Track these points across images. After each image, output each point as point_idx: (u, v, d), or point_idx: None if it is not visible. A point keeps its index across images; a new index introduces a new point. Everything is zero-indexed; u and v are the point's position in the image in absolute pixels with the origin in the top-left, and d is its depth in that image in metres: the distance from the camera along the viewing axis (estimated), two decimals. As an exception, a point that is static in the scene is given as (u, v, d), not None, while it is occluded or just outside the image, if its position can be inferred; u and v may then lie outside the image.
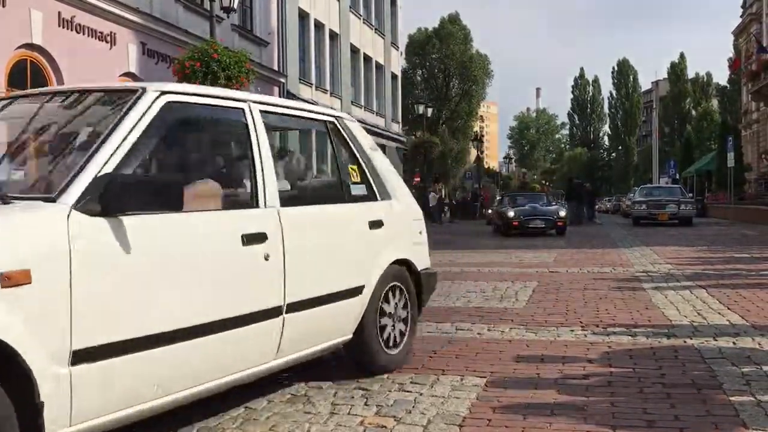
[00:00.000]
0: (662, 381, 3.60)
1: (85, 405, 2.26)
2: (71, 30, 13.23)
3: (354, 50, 29.70)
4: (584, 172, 69.17)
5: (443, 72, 49.28)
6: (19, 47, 12.24)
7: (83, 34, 13.58)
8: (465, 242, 15.63)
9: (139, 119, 2.66)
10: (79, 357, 2.24)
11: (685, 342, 4.51)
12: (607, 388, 3.51)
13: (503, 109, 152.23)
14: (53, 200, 2.33)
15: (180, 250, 2.69)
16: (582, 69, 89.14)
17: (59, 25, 12.94)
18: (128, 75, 15.13)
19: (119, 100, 2.83)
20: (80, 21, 13.44)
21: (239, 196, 3.28)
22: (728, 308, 5.75)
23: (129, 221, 2.44)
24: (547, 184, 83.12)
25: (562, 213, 18.16)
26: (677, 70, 72.02)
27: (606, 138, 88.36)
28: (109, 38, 14.28)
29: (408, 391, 3.51)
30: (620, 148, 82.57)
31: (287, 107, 3.89)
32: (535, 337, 4.82)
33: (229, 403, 3.36)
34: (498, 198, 25.28)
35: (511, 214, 17.95)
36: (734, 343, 4.44)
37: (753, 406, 3.14)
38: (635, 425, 2.95)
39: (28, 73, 12.58)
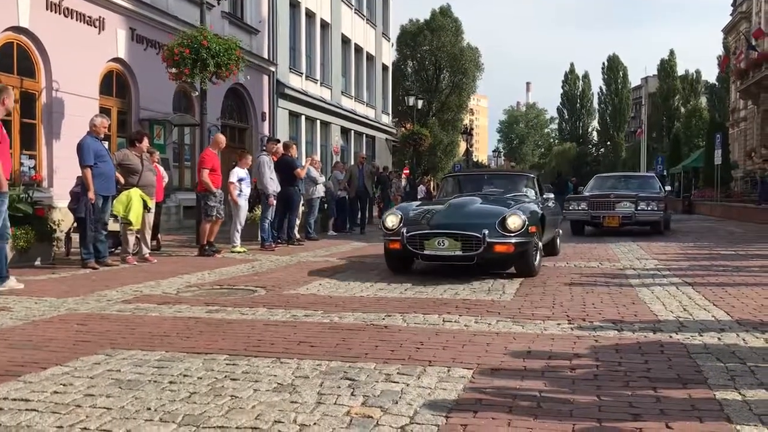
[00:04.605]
0: (648, 375, 3.62)
1: None
2: (59, 14, 13.11)
3: (345, 40, 29.60)
4: (572, 167, 69.49)
5: (434, 64, 49.20)
6: (6, 30, 12.11)
7: (71, 18, 13.45)
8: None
9: None
10: None
11: (670, 337, 4.54)
12: (594, 382, 3.52)
13: (493, 102, 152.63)
14: None
15: None
16: (572, 64, 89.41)
17: (47, 9, 12.82)
18: (116, 61, 15.01)
19: None
20: (68, 5, 13.31)
21: None
22: (714, 304, 5.78)
23: None
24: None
25: (517, 220, 7.45)
26: (667, 66, 72.33)
27: (595, 133, 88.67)
28: (97, 23, 14.16)
29: (395, 382, 3.51)
30: (609, 143, 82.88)
31: None
32: (522, 330, 4.83)
33: (215, 391, 3.35)
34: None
35: (390, 222, 8.00)
36: (719, 338, 4.46)
37: (737, 401, 3.16)
38: (621, 418, 2.96)
39: (15, 57, 12.45)
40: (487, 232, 7.33)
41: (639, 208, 14.46)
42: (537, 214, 8.02)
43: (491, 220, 7.57)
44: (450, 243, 7.45)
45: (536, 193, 9.62)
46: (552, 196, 9.75)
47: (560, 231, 10.85)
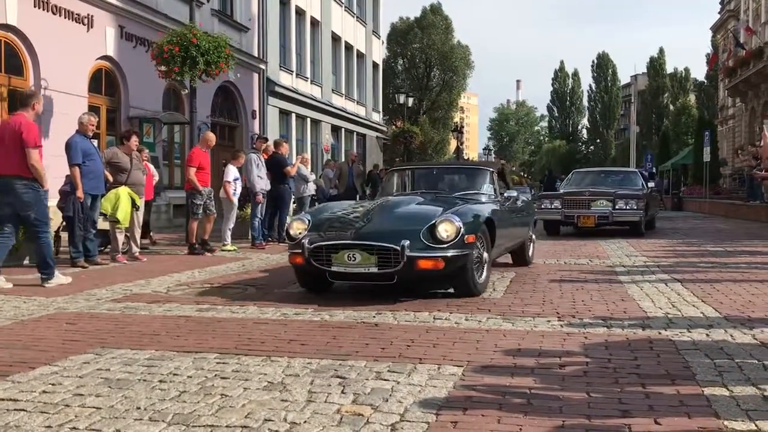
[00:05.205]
0: (637, 372, 3.64)
1: None
2: (47, 11, 13.02)
3: (335, 38, 29.56)
4: (562, 165, 69.66)
5: (424, 62, 49.28)
6: (-7, 28, 12.02)
7: (60, 15, 13.37)
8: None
9: None
10: None
11: (659, 333, 4.56)
12: (583, 378, 3.54)
13: (483, 100, 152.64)
14: None
15: None
16: (562, 62, 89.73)
17: (35, 6, 12.74)
18: (106, 58, 14.93)
19: None
20: (57, 2, 13.24)
21: None
22: (702, 301, 5.82)
23: None
24: (526, 176, 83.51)
25: (449, 227, 5.91)
26: (656, 64, 72.63)
27: (584, 131, 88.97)
28: (86, 20, 14.08)
29: (385, 380, 3.51)
30: (598, 141, 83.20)
31: None
32: (512, 327, 4.84)
33: (205, 390, 3.34)
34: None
35: (295, 229, 6.43)
36: (707, 335, 4.49)
37: (725, 396, 3.18)
38: (610, 414, 2.98)
39: (2, 55, 12.37)
40: (407, 243, 5.74)
41: (617, 207, 13.29)
42: (480, 219, 6.38)
43: (416, 227, 5.99)
44: (363, 257, 5.86)
45: (495, 190, 7.80)
46: (515, 194, 8.05)
47: (533, 236, 9.19)
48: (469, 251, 6.03)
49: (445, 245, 5.86)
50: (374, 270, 5.89)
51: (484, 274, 6.47)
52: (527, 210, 8.89)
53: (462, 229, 5.91)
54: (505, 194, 7.92)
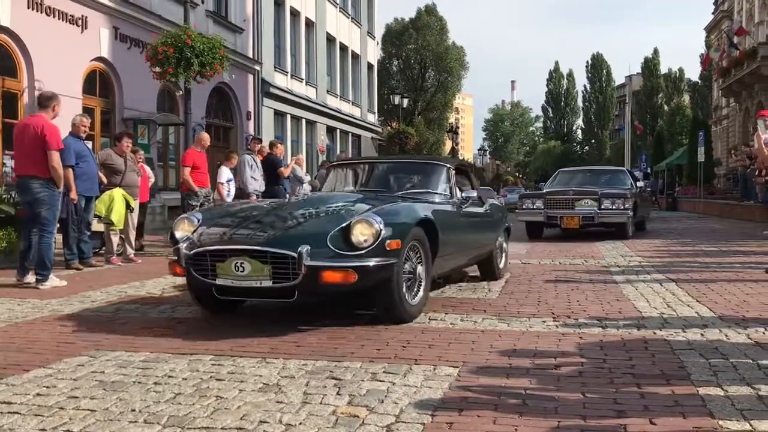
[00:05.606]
0: (632, 372, 3.64)
1: None
2: (41, 12, 12.99)
3: (330, 39, 29.57)
4: (557, 165, 69.78)
5: (419, 63, 49.34)
6: (-13, 29, 11.99)
7: (53, 16, 13.35)
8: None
9: None
10: None
11: (654, 333, 4.57)
12: (578, 378, 3.54)
13: (478, 101, 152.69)
14: None
15: None
16: (557, 62, 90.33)
17: (28, 7, 12.71)
18: (100, 60, 14.90)
19: None
20: (50, 3, 13.21)
21: None
22: (697, 301, 5.83)
23: None
24: (521, 176, 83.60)
25: (365, 229, 4.60)
26: (651, 65, 72.84)
27: (579, 131, 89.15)
28: (80, 22, 14.05)
29: (381, 381, 3.50)
30: (593, 141, 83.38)
31: None
32: (507, 327, 4.85)
33: (200, 392, 3.33)
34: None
35: (181, 231, 5.23)
36: (702, 334, 4.50)
37: (720, 396, 3.19)
38: (605, 414, 2.98)
39: (-4, 56, 12.34)
40: (307, 249, 4.49)
41: (602, 206, 12.52)
42: (411, 220, 5.03)
43: (325, 229, 4.76)
44: (253, 267, 4.60)
45: (451, 189, 6.44)
46: (474, 194, 6.60)
47: (504, 244, 7.79)
48: (393, 261, 4.71)
49: (361, 252, 4.60)
50: (268, 283, 4.61)
51: (420, 293, 5.17)
52: (495, 214, 7.49)
53: (382, 233, 4.63)
54: (464, 194, 6.53)
